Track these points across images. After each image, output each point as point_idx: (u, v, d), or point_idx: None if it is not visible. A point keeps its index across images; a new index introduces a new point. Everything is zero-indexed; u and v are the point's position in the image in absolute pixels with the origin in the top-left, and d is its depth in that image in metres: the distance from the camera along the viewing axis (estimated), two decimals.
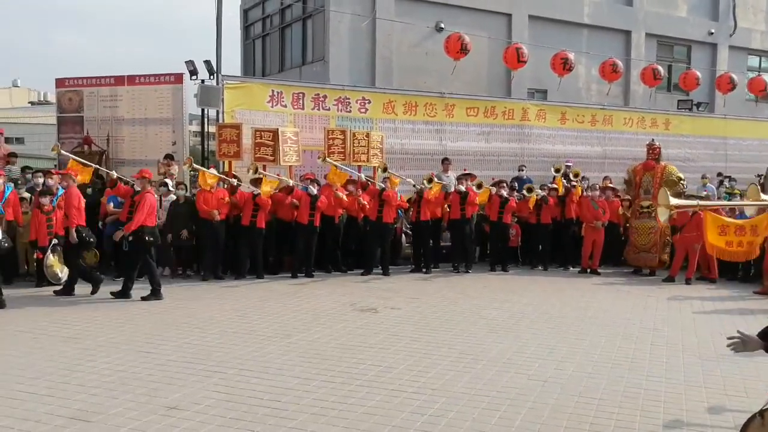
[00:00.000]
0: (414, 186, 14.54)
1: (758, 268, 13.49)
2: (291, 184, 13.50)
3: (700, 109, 22.65)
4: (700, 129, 20.53)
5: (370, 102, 16.05)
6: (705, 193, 15.82)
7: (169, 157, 14.75)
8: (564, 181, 15.65)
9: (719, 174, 19.58)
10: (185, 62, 15.98)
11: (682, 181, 14.81)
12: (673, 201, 6.36)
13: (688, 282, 13.67)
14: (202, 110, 16.26)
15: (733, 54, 27.16)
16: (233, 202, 13.14)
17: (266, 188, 13.25)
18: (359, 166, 14.75)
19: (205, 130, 17.00)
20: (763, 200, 6.26)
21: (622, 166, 17.26)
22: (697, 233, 13.63)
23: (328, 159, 13.85)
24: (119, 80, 15.82)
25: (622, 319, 10.06)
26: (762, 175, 19.66)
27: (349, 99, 15.82)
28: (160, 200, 13.39)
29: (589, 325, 9.58)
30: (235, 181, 13.40)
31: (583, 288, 13.00)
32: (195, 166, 13.48)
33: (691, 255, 13.94)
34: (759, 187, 6.48)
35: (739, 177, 19.68)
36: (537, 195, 15.11)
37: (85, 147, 15.38)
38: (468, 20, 20.63)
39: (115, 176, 12.88)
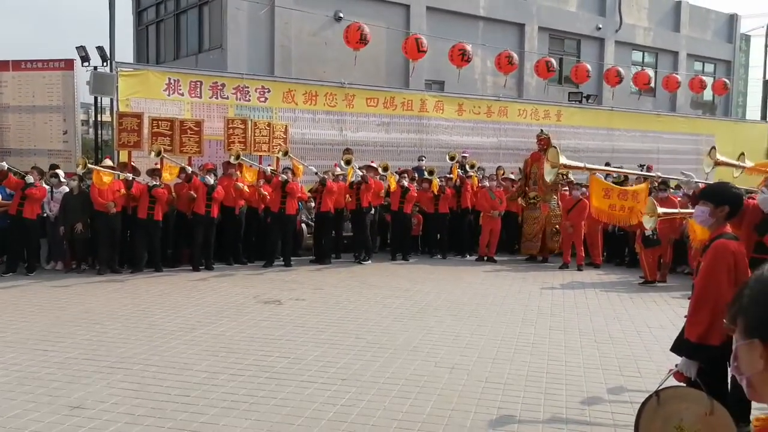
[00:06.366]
0: (316, 174, 14.51)
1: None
2: (190, 171, 13.20)
3: (589, 101, 23.45)
4: (589, 120, 21.28)
5: (269, 91, 15.84)
6: None
7: None
8: (460, 171, 15.89)
9: (607, 163, 20.38)
10: (76, 48, 15.47)
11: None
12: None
13: (579, 268, 14.17)
14: (95, 98, 15.73)
15: (619, 48, 28.26)
16: (130, 195, 12.73)
17: (166, 174, 12.95)
18: (260, 156, 14.60)
19: (98, 118, 16.47)
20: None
21: (517, 156, 17.74)
22: (580, 219, 14.25)
23: (242, 157, 13.65)
24: (3, 65, 15.10)
25: (520, 305, 10.37)
26: (644, 165, 20.64)
27: (248, 88, 15.54)
28: (52, 191, 12.98)
29: (490, 312, 9.83)
30: (130, 176, 12.74)
31: (482, 276, 13.31)
32: (90, 166, 12.66)
33: (577, 241, 14.49)
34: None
35: (625, 166, 20.58)
36: (438, 181, 15.18)
37: None
38: (366, 10, 20.65)
39: (5, 168, 12.31)
